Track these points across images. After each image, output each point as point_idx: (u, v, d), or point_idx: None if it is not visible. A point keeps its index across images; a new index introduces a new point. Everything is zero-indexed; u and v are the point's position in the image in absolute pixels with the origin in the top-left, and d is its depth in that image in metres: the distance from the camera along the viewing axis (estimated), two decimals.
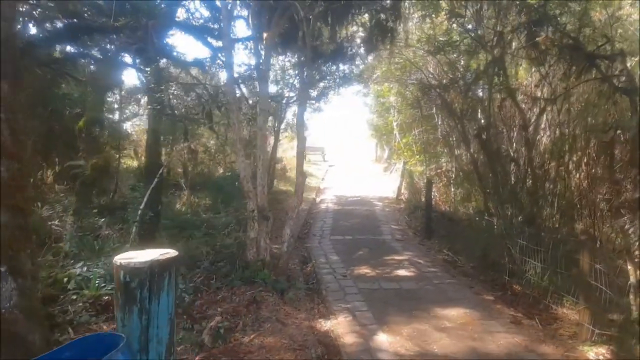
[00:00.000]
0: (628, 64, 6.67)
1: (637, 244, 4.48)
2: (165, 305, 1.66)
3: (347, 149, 30.11)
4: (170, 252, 1.72)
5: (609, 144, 4.62)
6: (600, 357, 3.71)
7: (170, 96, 8.20)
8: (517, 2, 5.73)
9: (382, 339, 3.91)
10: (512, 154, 7.40)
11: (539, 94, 6.87)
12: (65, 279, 4.00)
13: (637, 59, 6.48)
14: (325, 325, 4.29)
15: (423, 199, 9.06)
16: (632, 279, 4.25)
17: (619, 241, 5.71)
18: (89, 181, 5.53)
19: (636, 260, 4.22)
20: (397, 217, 10.43)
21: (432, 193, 9.86)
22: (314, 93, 10.63)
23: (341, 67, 9.70)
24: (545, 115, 7.17)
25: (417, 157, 11.15)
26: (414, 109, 10.69)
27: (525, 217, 6.24)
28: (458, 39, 7.55)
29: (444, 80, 8.84)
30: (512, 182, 6.96)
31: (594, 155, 6.56)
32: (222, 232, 5.71)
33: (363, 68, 10.74)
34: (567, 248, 4.73)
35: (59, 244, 4.88)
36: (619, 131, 4.66)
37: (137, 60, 6.76)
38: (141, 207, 4.46)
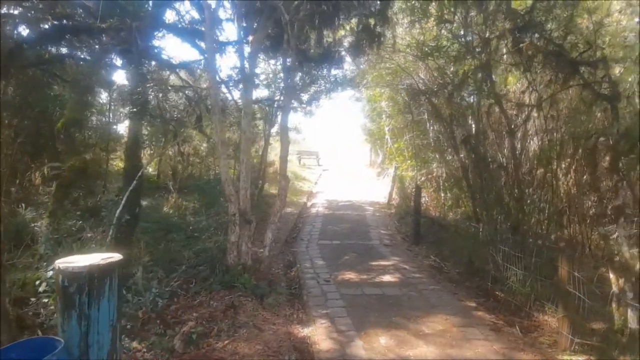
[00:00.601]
0: (617, 71, 6.71)
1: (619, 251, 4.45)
2: (106, 311, 1.61)
3: (342, 153, 30.09)
4: (114, 257, 1.67)
5: (591, 151, 4.60)
6: None
7: (158, 98, 8.16)
8: (504, 9, 5.73)
9: (359, 345, 3.86)
10: (501, 159, 7.38)
11: (526, 100, 6.87)
12: (38, 282, 3.93)
13: (625, 65, 6.50)
14: (302, 331, 4.22)
15: (413, 204, 9.00)
16: (614, 288, 4.22)
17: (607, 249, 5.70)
18: (67, 183, 5.46)
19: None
20: (387, 222, 10.38)
21: (423, 198, 9.85)
22: (305, 97, 10.62)
23: (332, 71, 9.70)
24: (533, 122, 7.17)
25: (409, 162, 11.13)
26: (405, 114, 10.69)
27: (510, 224, 6.20)
28: (447, 44, 7.55)
29: (434, 86, 8.84)
30: (498, 188, 6.94)
31: (582, 161, 6.56)
32: (203, 236, 5.64)
33: (354, 73, 10.74)
34: (549, 255, 4.69)
35: (37, 246, 4.81)
36: (602, 138, 4.62)
37: (123, 62, 6.72)
38: (119, 209, 4.40)
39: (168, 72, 8.18)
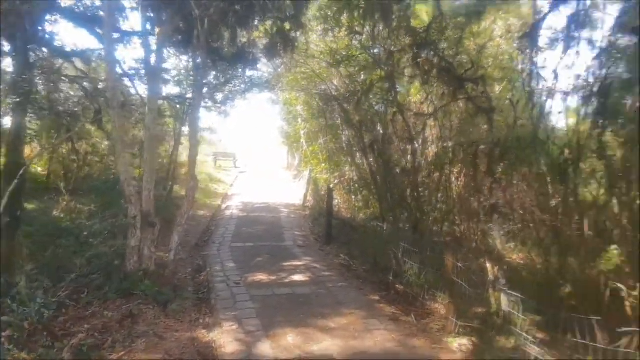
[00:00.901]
0: (497, 89, 7.73)
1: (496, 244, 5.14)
2: None
3: (260, 155, 29.88)
4: None
5: (473, 157, 5.25)
6: (463, 347, 4.12)
7: (49, 88, 7.29)
8: (405, 26, 6.25)
9: (265, 345, 3.88)
10: (404, 164, 8.02)
11: (425, 110, 7.57)
12: None
13: (503, 84, 7.54)
14: (208, 336, 4.11)
15: (326, 206, 9.30)
16: (490, 276, 4.84)
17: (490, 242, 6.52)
18: None
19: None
20: (302, 223, 10.58)
21: (336, 200, 10.23)
22: (219, 96, 10.35)
23: (247, 72, 9.61)
24: (431, 130, 7.92)
25: (323, 165, 11.49)
26: (320, 119, 11.02)
27: (410, 223, 6.77)
28: (357, 54, 7.98)
29: (346, 93, 9.27)
30: (401, 191, 7.53)
31: (468, 166, 7.43)
32: (96, 241, 5.19)
33: (271, 75, 10.80)
34: (440, 249, 5.22)
35: None
36: (482, 146, 5.30)
37: (10, 48, 5.89)
38: None
39: (61, 61, 7.35)
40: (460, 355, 3.93)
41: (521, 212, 6.84)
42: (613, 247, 3.75)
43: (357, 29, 7.70)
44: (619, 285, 3.75)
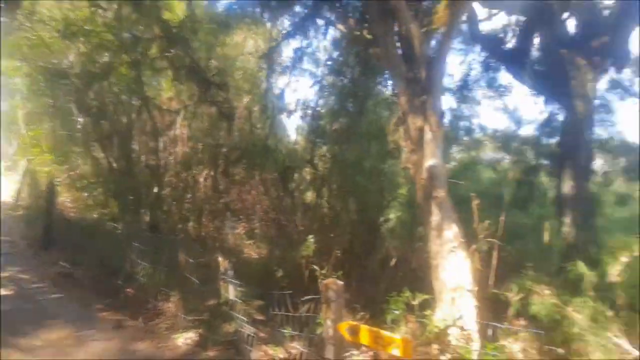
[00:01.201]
0: (245, 99, 8.45)
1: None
2: None
3: None
4: None
5: (215, 158, 5.55)
6: (188, 340, 4.22)
7: None
8: (155, 14, 6.00)
9: None
10: (150, 161, 7.59)
11: (174, 107, 7.45)
12: None
13: (250, 95, 8.32)
14: None
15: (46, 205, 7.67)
16: (221, 269, 5.20)
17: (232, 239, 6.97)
18: None
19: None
20: (11, 226, 8.41)
21: (63, 198, 8.65)
22: None
23: None
24: (181, 129, 7.85)
25: (47, 155, 9.44)
26: (47, 98, 9.04)
27: (151, 223, 6.47)
28: (99, 30, 7.03)
29: (85, 75, 7.99)
30: (145, 189, 7.12)
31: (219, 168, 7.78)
32: None
33: None
34: (175, 248, 5.23)
35: None
36: (224, 149, 5.69)
37: None
38: None
39: None
40: (184, 348, 4.02)
41: (261, 212, 7.74)
42: (310, 237, 4.73)
43: (101, 3, 6.83)
44: (315, 266, 4.77)
